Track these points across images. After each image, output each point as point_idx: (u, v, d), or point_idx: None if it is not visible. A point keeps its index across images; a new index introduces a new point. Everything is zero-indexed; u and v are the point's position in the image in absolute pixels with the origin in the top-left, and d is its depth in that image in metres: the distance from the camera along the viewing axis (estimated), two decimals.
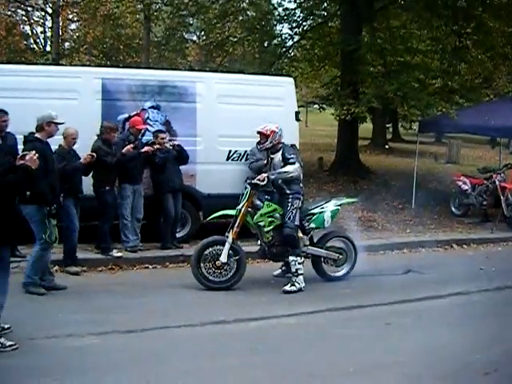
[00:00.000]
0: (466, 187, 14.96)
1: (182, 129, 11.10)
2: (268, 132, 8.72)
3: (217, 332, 6.85)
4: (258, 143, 9.16)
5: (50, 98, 9.98)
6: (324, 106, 25.55)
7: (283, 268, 9.23)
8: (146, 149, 10.10)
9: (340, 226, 11.13)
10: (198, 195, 11.13)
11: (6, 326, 6.34)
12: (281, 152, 8.71)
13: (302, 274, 8.61)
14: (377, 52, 19.23)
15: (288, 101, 11.74)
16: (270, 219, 8.66)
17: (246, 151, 11.18)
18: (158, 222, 10.66)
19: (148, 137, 10.77)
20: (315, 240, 9.20)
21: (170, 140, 10.68)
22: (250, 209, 8.59)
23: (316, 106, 28.63)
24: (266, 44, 23.46)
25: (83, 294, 8.07)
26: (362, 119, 25.70)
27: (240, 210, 8.53)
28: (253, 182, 8.58)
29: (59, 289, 8.28)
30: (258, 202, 8.69)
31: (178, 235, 10.88)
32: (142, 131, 10.53)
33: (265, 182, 8.51)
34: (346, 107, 17.21)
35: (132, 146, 9.86)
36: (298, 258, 8.62)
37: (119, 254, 9.83)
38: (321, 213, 9.08)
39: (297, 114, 11.89)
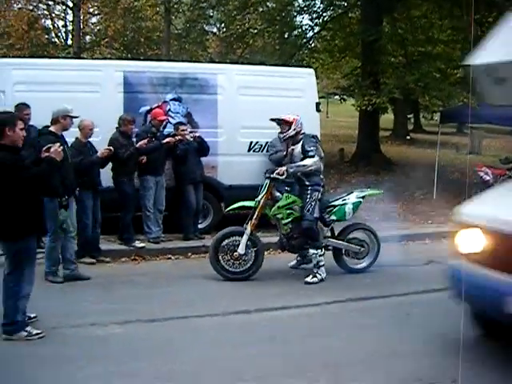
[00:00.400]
0: (488, 178, 14.82)
1: (203, 120, 11.15)
2: (291, 119, 8.70)
3: (238, 321, 6.90)
4: (281, 133, 9.10)
5: (72, 92, 10.09)
6: (345, 97, 25.34)
7: (298, 259, 9.27)
8: (167, 139, 10.18)
9: (361, 217, 11.14)
10: (220, 186, 11.20)
11: (33, 315, 6.47)
12: (301, 143, 8.68)
13: (323, 266, 8.64)
14: (397, 42, 19.23)
15: (309, 92, 11.73)
16: (288, 211, 8.65)
17: (267, 142, 11.20)
18: (179, 213, 10.73)
19: (169, 129, 10.83)
20: (337, 232, 9.18)
21: (190, 132, 10.73)
22: (268, 200, 8.61)
23: (337, 97, 28.40)
24: (286, 35, 23.44)
25: (106, 285, 8.18)
26: (383, 110, 25.57)
27: (259, 201, 8.55)
28: (272, 176, 8.58)
29: (82, 279, 8.40)
30: (278, 194, 8.71)
31: (200, 226, 10.97)
32: (164, 123, 10.60)
33: (284, 177, 8.53)
34: (367, 98, 17.21)
35: (146, 141, 9.89)
36: (319, 251, 8.63)
37: (142, 245, 9.93)
38: (342, 205, 9.01)
39: (317, 104, 11.88)
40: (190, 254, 10.01)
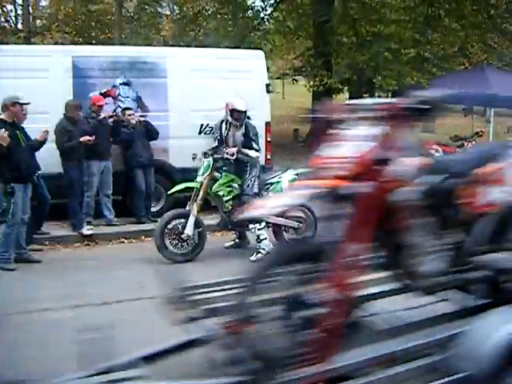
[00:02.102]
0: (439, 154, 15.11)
1: (153, 104, 11.21)
2: (244, 107, 9.02)
3: None
4: (236, 120, 9.11)
5: (21, 78, 9.97)
6: (296, 78, 25.44)
7: (236, 240, 9.53)
8: (103, 115, 10.34)
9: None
10: (172, 169, 11.26)
11: None
12: (243, 127, 9.01)
13: (265, 239, 8.80)
14: (349, 23, 19.32)
15: (258, 73, 11.85)
16: (228, 189, 8.94)
17: None
18: (130, 197, 10.80)
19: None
20: None
21: (141, 116, 10.85)
22: (210, 180, 8.83)
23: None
24: (239, 17, 23.43)
25: (59, 270, 8.22)
26: (337, 90, 25.75)
27: (202, 182, 8.74)
28: (225, 156, 8.85)
29: (33, 261, 8.52)
30: (217, 173, 8.94)
31: (152, 209, 11.03)
32: (103, 108, 10.50)
33: (234, 157, 8.82)
34: (318, 78, 17.32)
35: (89, 138, 9.77)
36: (257, 224, 8.79)
37: (89, 232, 9.95)
38: (278, 182, 9.24)
39: (267, 86, 11.98)
40: (143, 237, 10.06)
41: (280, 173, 9.41)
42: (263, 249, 8.74)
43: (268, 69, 12.96)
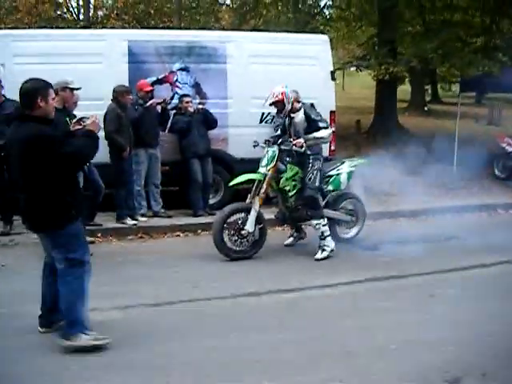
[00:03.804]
0: (511, 149, 14.33)
1: (212, 91, 10.71)
2: (280, 96, 8.23)
3: (249, 305, 6.43)
4: (279, 112, 8.69)
5: (74, 63, 9.73)
6: (361, 67, 24.60)
7: (294, 235, 8.90)
8: (150, 102, 9.81)
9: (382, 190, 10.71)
10: (231, 160, 10.73)
11: None
12: (302, 111, 8.26)
13: (329, 236, 8.23)
14: (415, 9, 18.43)
15: (323, 59, 11.17)
16: (293, 183, 8.27)
17: None
18: (187, 188, 10.32)
19: (177, 100, 10.47)
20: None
21: (199, 103, 10.39)
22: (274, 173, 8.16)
23: (353, 68, 27.66)
24: (299, 5, 22.76)
25: (109, 265, 7.68)
26: (401, 80, 24.88)
27: (266, 174, 8.08)
28: (293, 148, 8.11)
29: None
30: (281, 165, 8.25)
31: (210, 202, 10.54)
32: (151, 94, 10.03)
33: (303, 149, 8.09)
34: (383, 67, 16.55)
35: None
36: (322, 220, 8.23)
37: (132, 222, 9.54)
38: (338, 175, 8.70)
39: (332, 73, 11.33)
40: (199, 230, 9.58)
41: (338, 165, 8.85)
42: (327, 246, 8.16)
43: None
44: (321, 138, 8.16)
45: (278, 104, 8.30)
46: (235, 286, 6.87)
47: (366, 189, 9.90)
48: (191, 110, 10.15)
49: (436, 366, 4.89)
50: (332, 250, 8.18)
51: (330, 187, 8.65)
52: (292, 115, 8.33)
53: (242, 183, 8.43)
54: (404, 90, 34.48)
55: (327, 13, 22.27)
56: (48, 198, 5.05)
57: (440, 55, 16.64)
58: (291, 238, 8.91)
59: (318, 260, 8.06)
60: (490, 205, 11.75)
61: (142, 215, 9.88)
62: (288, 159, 8.37)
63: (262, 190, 8.04)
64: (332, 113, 11.20)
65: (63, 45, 10.03)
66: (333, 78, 11.36)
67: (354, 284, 7.09)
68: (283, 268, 7.73)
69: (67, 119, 7.79)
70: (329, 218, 8.55)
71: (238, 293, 6.65)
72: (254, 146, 8.67)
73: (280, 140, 8.37)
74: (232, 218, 8.04)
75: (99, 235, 9.19)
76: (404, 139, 18.22)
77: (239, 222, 8.02)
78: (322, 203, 8.54)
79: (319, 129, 8.14)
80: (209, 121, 10.29)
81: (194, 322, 5.90)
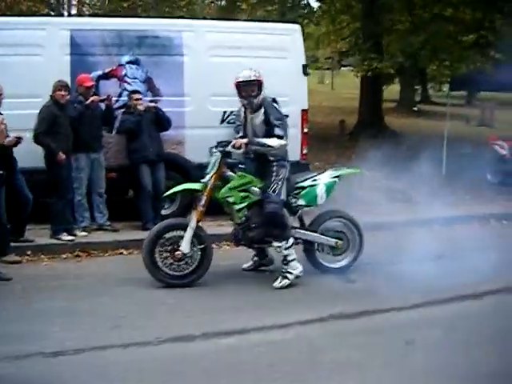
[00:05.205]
0: (504, 152, 13.33)
1: (166, 87, 9.45)
2: (260, 77, 6.86)
3: (173, 354, 5.07)
4: (248, 97, 6.90)
5: (8, 55, 8.63)
6: (344, 64, 23.47)
7: (255, 259, 7.52)
8: (91, 99, 8.58)
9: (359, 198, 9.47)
10: (188, 165, 9.45)
11: None
12: (263, 111, 6.84)
13: (294, 260, 6.88)
14: (402, 1, 17.27)
15: (294, 52, 9.93)
16: (242, 194, 6.85)
17: None
18: (136, 197, 9.13)
19: (125, 97, 9.25)
20: (308, 222, 7.39)
21: (151, 101, 9.20)
22: (218, 181, 6.83)
23: (345, 68, 26.50)
24: None
25: (26, 293, 6.43)
26: (389, 79, 23.74)
27: (206, 183, 6.77)
28: (226, 149, 6.77)
29: (3, 279, 6.92)
30: (229, 173, 6.88)
31: (164, 212, 9.27)
32: (92, 90, 8.82)
33: (241, 151, 6.75)
34: (367, 62, 15.37)
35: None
36: (284, 243, 6.83)
37: (69, 238, 8.29)
38: (312, 186, 7.22)
39: (304, 67, 10.08)
40: None
41: (315, 174, 7.44)
42: (290, 272, 6.83)
43: (317, 60, 11.05)
44: (268, 146, 6.71)
45: (253, 87, 6.82)
46: (164, 326, 5.56)
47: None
48: (141, 108, 8.93)
49: None
50: (297, 277, 6.86)
51: (302, 201, 7.17)
52: (251, 115, 6.96)
53: (179, 193, 7.25)
54: (394, 90, 33.54)
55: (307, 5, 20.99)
56: None
57: (428, 50, 15.45)
58: (250, 262, 7.54)
59: (276, 288, 6.76)
60: (482, 215, 10.52)
61: (84, 229, 8.63)
62: (241, 166, 7.04)
63: (201, 203, 6.73)
64: (304, 111, 10.04)
65: None
66: (305, 73, 10.10)
67: (314, 323, 5.71)
68: (231, 300, 6.37)
69: None
70: (306, 241, 7.23)
71: (164, 336, 5.28)
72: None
73: (225, 142, 6.98)
74: (166, 237, 6.74)
75: (29, 253, 7.93)
76: (389, 141, 17.12)
77: (173, 241, 6.73)
78: (293, 222, 7.19)
79: (273, 136, 6.74)
80: (161, 121, 9.10)
81: (99, 378, 4.59)
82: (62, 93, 8.14)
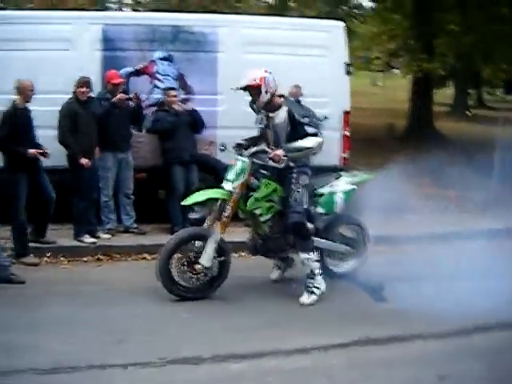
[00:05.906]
0: None
1: (199, 85, 9.10)
2: (257, 81, 6.28)
3: (176, 379, 4.58)
4: (252, 102, 6.60)
5: (35, 50, 8.44)
6: (393, 65, 22.70)
7: (278, 265, 7.06)
8: (118, 97, 8.23)
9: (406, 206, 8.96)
10: (219, 166, 8.91)
11: None
12: (286, 110, 6.30)
13: (320, 274, 6.35)
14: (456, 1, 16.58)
15: (335, 50, 9.43)
16: (268, 204, 6.33)
17: None
18: (166, 199, 8.78)
19: (158, 95, 8.95)
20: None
21: (184, 100, 8.94)
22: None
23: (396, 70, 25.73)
24: None
25: (35, 299, 6.09)
26: (440, 82, 22.93)
27: (231, 191, 6.23)
28: (268, 163, 6.22)
29: (16, 282, 6.57)
30: (253, 180, 6.35)
31: (195, 216, 8.84)
32: (122, 88, 8.49)
33: (282, 165, 6.19)
34: (416, 63, 14.74)
35: None
36: (312, 254, 6.30)
37: (91, 240, 7.97)
38: (331, 194, 6.74)
39: (347, 66, 9.56)
40: None
41: (332, 180, 6.94)
42: (317, 288, 6.31)
43: (369, 60, 10.52)
44: (306, 148, 6.18)
45: (253, 90, 6.35)
46: (171, 344, 5.10)
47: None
48: (178, 108, 8.62)
49: None
50: (323, 293, 6.33)
51: (320, 209, 6.69)
52: (270, 114, 6.46)
53: (202, 202, 6.59)
54: (449, 93, 32.68)
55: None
56: None
57: (481, 52, 14.73)
58: (277, 272, 7.06)
59: (303, 305, 6.23)
60: None
61: (108, 231, 8.29)
62: (264, 172, 6.45)
63: (226, 213, 6.23)
64: (346, 113, 9.53)
65: (24, 28, 8.57)
66: (348, 72, 9.60)
67: (335, 349, 5.10)
68: (248, 317, 5.84)
69: None
70: (317, 248, 6.65)
71: (169, 357, 4.80)
72: (221, 150, 6.90)
73: (255, 148, 6.43)
74: (185, 247, 6.25)
75: (49, 254, 7.66)
76: (439, 146, 16.45)
77: (193, 252, 6.22)
78: (312, 230, 6.64)
79: (306, 135, 6.20)
80: (197, 124, 8.79)
81: None
82: (83, 89, 7.85)
